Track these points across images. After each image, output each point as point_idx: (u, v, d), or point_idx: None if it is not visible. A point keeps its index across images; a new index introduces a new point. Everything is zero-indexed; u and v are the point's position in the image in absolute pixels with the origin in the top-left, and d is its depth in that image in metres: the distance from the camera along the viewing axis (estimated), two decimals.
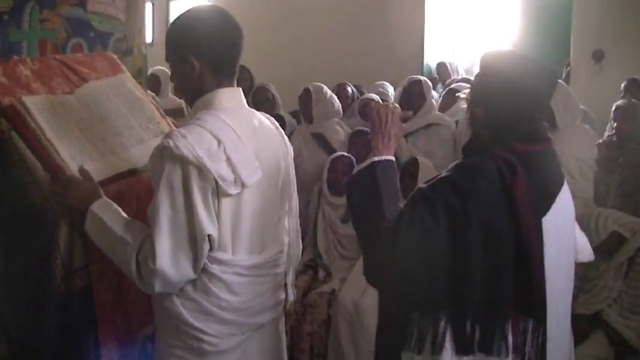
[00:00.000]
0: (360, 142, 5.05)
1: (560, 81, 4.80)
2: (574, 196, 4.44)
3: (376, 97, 5.78)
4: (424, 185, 2.14)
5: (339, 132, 5.46)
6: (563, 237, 2.23)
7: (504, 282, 2.07)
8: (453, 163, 2.18)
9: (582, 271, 4.19)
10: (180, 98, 6.22)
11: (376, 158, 2.22)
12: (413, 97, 5.21)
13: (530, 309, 2.12)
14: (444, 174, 2.15)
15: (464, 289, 2.05)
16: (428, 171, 4.19)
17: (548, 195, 2.18)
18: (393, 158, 2.26)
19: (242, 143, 2.19)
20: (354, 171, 2.29)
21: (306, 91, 5.59)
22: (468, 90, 2.33)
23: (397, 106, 2.34)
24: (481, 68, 2.27)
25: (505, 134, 2.16)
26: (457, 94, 5.09)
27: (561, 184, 2.27)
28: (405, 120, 2.38)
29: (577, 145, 4.67)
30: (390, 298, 2.16)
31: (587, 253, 2.65)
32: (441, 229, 2.01)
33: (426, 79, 5.56)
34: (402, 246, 2.02)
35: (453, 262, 2.02)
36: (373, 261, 2.14)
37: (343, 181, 4.75)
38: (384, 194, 2.14)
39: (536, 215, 2.10)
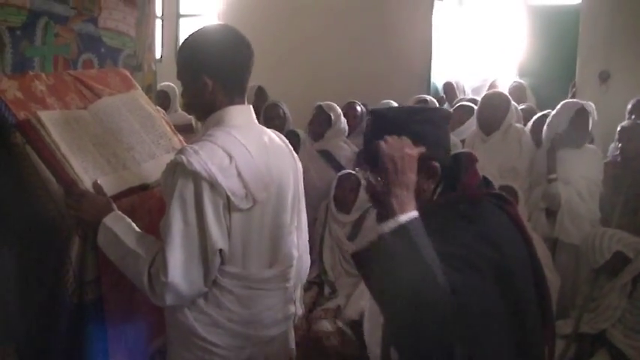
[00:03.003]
0: None
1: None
2: (581, 216, 4.51)
3: None
4: (450, 245, 1.85)
5: (344, 148, 5.50)
6: None
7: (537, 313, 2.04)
8: (453, 212, 1.96)
9: (587, 291, 4.22)
10: (190, 114, 6.27)
11: (405, 219, 1.77)
12: None
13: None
14: (458, 227, 1.92)
15: (526, 340, 1.96)
16: None
17: None
18: (417, 214, 1.80)
19: (253, 159, 2.23)
20: (375, 238, 1.77)
21: (322, 110, 5.61)
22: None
23: (410, 143, 1.90)
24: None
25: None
26: None
27: None
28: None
29: (586, 166, 4.72)
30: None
31: None
32: (494, 286, 1.85)
33: (432, 98, 5.58)
34: (467, 317, 1.76)
35: (512, 320, 1.92)
36: (432, 338, 1.75)
37: (350, 199, 4.78)
38: (430, 260, 1.73)
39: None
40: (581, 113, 4.77)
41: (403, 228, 1.75)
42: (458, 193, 2.00)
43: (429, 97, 5.45)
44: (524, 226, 2.08)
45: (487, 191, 2.06)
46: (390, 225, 1.76)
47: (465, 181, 2.02)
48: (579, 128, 4.76)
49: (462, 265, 1.80)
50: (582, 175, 4.69)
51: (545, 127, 4.89)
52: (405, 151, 1.86)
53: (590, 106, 4.87)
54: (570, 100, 5.02)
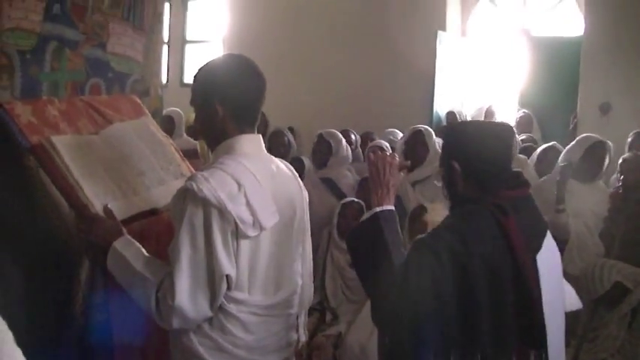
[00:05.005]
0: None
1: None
2: (589, 250, 4.51)
3: (386, 144, 5.86)
4: (423, 235, 2.26)
5: (347, 176, 5.55)
6: (555, 275, 2.36)
7: (507, 315, 2.17)
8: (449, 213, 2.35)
9: (586, 320, 4.24)
10: (196, 139, 6.32)
11: (378, 209, 2.33)
12: (416, 147, 5.15)
13: (533, 340, 2.23)
14: (442, 223, 2.27)
15: (473, 325, 2.13)
16: (443, 214, 4.24)
17: (537, 235, 2.31)
18: (393, 208, 2.37)
19: (261, 187, 2.27)
20: (357, 225, 2.40)
21: (323, 139, 5.66)
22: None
23: (396, 156, 2.48)
24: (451, 127, 2.43)
25: (488, 181, 2.29)
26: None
27: (546, 228, 2.39)
28: (402, 169, 2.52)
29: (596, 200, 4.75)
30: (401, 341, 2.18)
31: (574, 301, 2.73)
32: (447, 271, 2.10)
33: (427, 127, 5.60)
34: (414, 290, 2.09)
35: (461, 301, 2.11)
36: (384, 306, 2.20)
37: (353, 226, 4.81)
38: (390, 242, 2.24)
39: (530, 252, 2.23)
40: (595, 148, 4.82)
41: (375, 216, 2.31)
42: (475, 193, 2.30)
43: (423, 127, 5.43)
44: (514, 239, 2.21)
45: (494, 202, 2.26)
46: (368, 214, 2.36)
47: (500, 192, 2.27)
48: (591, 163, 4.81)
49: (421, 244, 2.18)
50: (592, 209, 4.73)
51: (560, 157, 4.93)
52: (386, 160, 2.40)
53: (608, 144, 4.90)
54: (589, 135, 5.03)
